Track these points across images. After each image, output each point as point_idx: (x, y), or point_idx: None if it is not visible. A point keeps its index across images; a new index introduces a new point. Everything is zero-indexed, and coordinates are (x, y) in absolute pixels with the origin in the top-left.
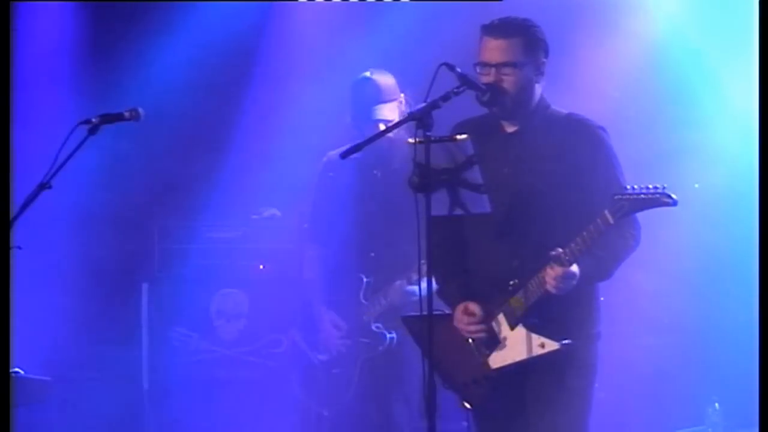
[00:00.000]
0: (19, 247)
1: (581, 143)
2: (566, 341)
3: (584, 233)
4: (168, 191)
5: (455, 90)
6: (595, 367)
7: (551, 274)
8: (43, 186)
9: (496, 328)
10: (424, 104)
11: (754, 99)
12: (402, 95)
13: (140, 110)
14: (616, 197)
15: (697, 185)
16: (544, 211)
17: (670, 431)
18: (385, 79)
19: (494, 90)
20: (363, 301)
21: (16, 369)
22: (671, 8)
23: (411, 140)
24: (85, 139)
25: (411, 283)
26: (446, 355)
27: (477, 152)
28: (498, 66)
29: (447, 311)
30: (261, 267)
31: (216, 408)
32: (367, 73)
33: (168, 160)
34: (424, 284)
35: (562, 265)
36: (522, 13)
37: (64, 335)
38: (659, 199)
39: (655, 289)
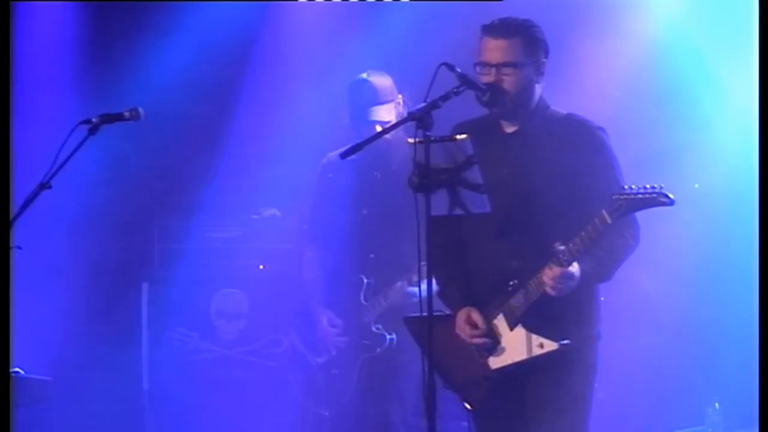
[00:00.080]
0: (19, 247)
1: (581, 144)
2: (565, 341)
3: (582, 233)
4: (168, 191)
5: (455, 90)
6: (595, 367)
7: (549, 275)
8: (43, 186)
9: (495, 329)
10: (423, 104)
11: (754, 98)
12: (400, 96)
13: (140, 110)
14: (614, 197)
15: (697, 185)
16: (543, 211)
17: (670, 431)
18: (382, 81)
19: (494, 90)
20: (363, 302)
21: (16, 369)
22: (671, 8)
23: (411, 140)
24: (85, 139)
25: (411, 284)
26: (446, 356)
27: (476, 152)
28: (498, 66)
29: (447, 312)
30: (261, 267)
31: (216, 408)
32: (364, 75)
33: (168, 160)
34: (424, 285)
35: (560, 265)
36: (522, 13)
37: (64, 335)
38: (657, 199)
39: (655, 289)
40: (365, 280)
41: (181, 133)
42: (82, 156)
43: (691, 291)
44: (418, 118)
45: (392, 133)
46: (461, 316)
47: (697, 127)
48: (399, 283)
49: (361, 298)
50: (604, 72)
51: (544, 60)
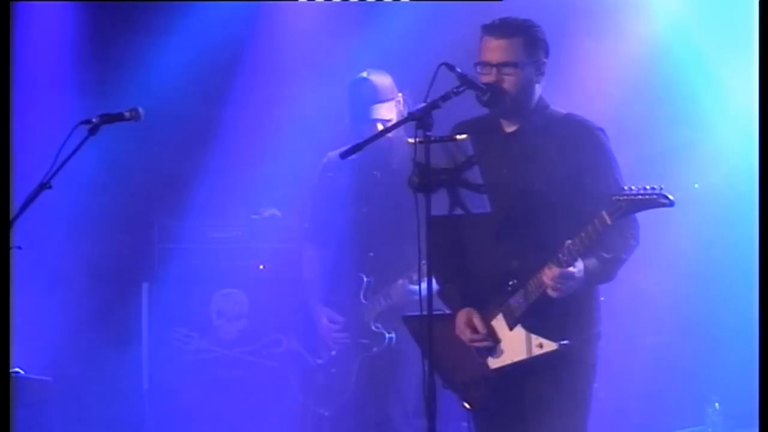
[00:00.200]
0: (19, 247)
1: (580, 144)
2: (564, 342)
3: (582, 234)
4: (168, 191)
5: (455, 90)
6: (594, 367)
7: (549, 275)
8: (43, 186)
9: (495, 329)
10: (424, 104)
11: (754, 98)
12: (400, 95)
13: (140, 110)
14: (614, 198)
15: (697, 185)
16: (543, 211)
17: (670, 431)
18: (382, 79)
19: (494, 90)
20: (363, 301)
21: (16, 369)
22: (671, 7)
23: (411, 140)
24: (85, 139)
25: (413, 282)
26: (446, 355)
27: (476, 152)
28: (499, 66)
29: (447, 311)
30: (261, 267)
31: (216, 408)
32: (364, 74)
33: (168, 160)
34: (424, 284)
35: (559, 265)
36: (522, 13)
37: (64, 335)
38: (657, 200)
39: (655, 289)
40: (365, 279)
41: (181, 133)
42: (82, 156)
43: (691, 291)
44: (418, 118)
45: (393, 132)
46: (461, 317)
47: (697, 127)
48: (400, 281)
49: (361, 297)
50: (604, 72)
51: (545, 60)
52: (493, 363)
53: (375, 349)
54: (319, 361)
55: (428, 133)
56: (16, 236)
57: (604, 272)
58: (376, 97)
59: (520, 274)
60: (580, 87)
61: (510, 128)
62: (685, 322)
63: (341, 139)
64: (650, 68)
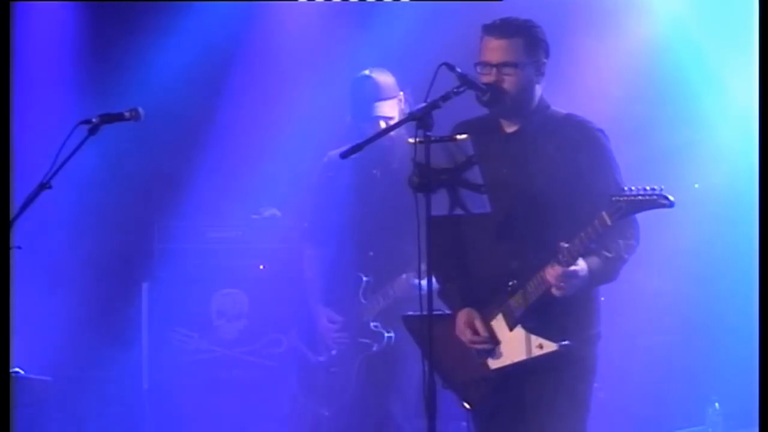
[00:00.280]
0: (19, 247)
1: (580, 144)
2: (564, 342)
3: (582, 235)
4: (168, 191)
5: (455, 90)
6: (594, 368)
7: (552, 274)
8: (43, 186)
9: (495, 329)
10: (424, 104)
11: (754, 98)
12: (401, 93)
13: (140, 110)
14: (613, 199)
15: (697, 185)
16: (543, 211)
17: (670, 431)
18: (385, 77)
19: (494, 90)
20: (362, 300)
21: (16, 369)
22: (672, 7)
23: (411, 140)
24: (85, 139)
25: (416, 277)
26: (445, 355)
27: (476, 152)
28: (499, 66)
29: (447, 311)
30: (261, 267)
31: (216, 408)
32: (367, 71)
33: (168, 160)
34: (424, 281)
35: (561, 265)
36: (522, 13)
37: (64, 335)
38: (657, 201)
39: (655, 289)
40: (364, 279)
41: (181, 133)
42: (82, 156)
43: (691, 290)
44: (419, 118)
45: (393, 132)
46: (462, 318)
47: (698, 127)
48: (404, 276)
49: (360, 297)
50: (604, 72)
51: (545, 60)
52: (493, 363)
53: (375, 348)
54: (320, 360)
55: (428, 133)
56: (16, 236)
57: (607, 271)
58: (379, 94)
59: (520, 275)
60: (580, 87)
61: (510, 128)
62: (685, 322)
63: (341, 138)
64: (650, 68)
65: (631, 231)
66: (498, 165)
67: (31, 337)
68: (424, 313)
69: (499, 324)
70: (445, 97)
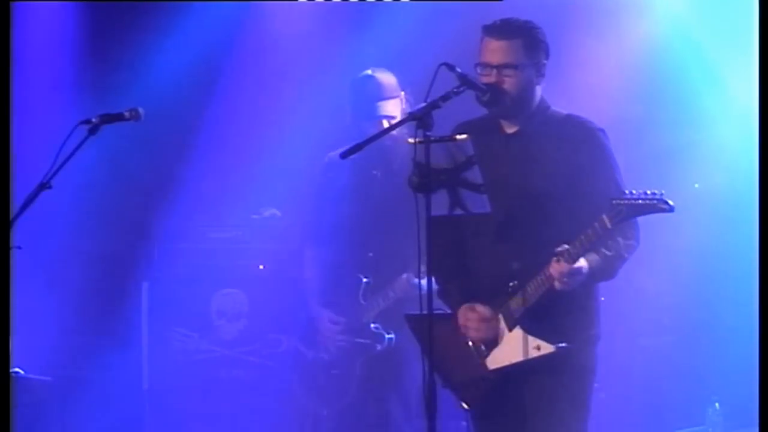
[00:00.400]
0: (19, 247)
1: (580, 145)
2: (562, 344)
3: (582, 237)
4: (168, 191)
5: (455, 90)
6: (593, 369)
7: (557, 269)
8: (43, 186)
9: (495, 329)
10: (424, 104)
11: (754, 98)
12: (403, 93)
13: (140, 110)
14: (614, 202)
15: (697, 185)
16: (543, 212)
17: (670, 431)
18: (387, 77)
19: (494, 90)
20: (362, 301)
21: (16, 369)
22: (672, 7)
23: (411, 140)
24: (85, 139)
25: (417, 277)
26: (445, 355)
27: (477, 153)
28: (499, 67)
29: (448, 310)
30: (261, 267)
31: (216, 408)
32: (369, 71)
33: (168, 160)
34: (424, 281)
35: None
36: (522, 14)
37: (64, 335)
38: (657, 205)
39: (655, 290)
40: (364, 280)
41: (181, 133)
42: (82, 156)
43: (691, 291)
44: (419, 118)
45: (394, 132)
46: (464, 307)
47: (698, 127)
48: (405, 275)
49: (360, 298)
50: (604, 72)
51: (545, 61)
52: (492, 363)
53: (375, 349)
54: (320, 361)
55: (428, 133)
56: (16, 236)
57: (606, 269)
58: (382, 94)
59: (520, 275)
60: (580, 87)
61: (510, 129)
62: (685, 322)
63: (342, 138)
64: (650, 68)
65: (631, 231)
66: (498, 166)
67: (31, 337)
68: (425, 312)
69: (499, 324)
70: (445, 97)
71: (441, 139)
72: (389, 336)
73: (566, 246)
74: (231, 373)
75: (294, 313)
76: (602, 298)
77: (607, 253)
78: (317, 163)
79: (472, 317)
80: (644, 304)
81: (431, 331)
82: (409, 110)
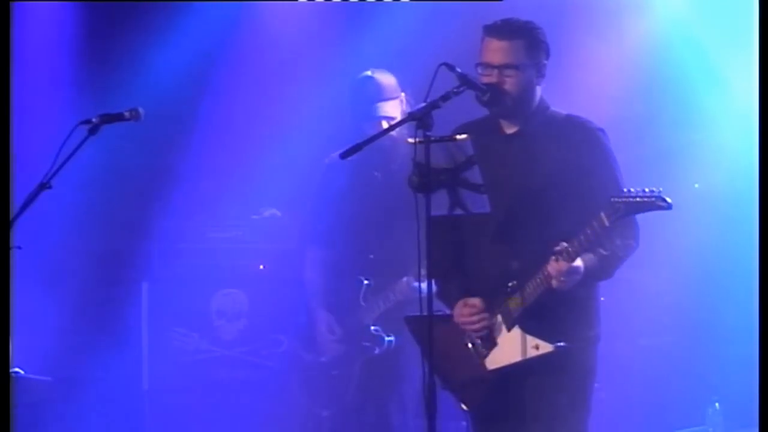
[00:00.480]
0: (19, 247)
1: (580, 145)
2: (560, 344)
3: (581, 236)
4: (168, 191)
5: (455, 90)
6: (594, 369)
7: (556, 268)
8: (43, 186)
9: (494, 330)
10: (424, 104)
11: (755, 98)
12: (403, 94)
13: (140, 110)
14: (612, 200)
15: (697, 185)
16: (543, 212)
17: (670, 431)
18: (387, 78)
19: (495, 90)
20: (362, 303)
21: (16, 369)
22: (673, 7)
23: (411, 140)
24: (85, 139)
25: (418, 280)
26: (445, 356)
27: (477, 153)
28: (500, 67)
29: (447, 312)
30: (261, 267)
31: (216, 408)
32: (368, 72)
33: (168, 160)
34: (424, 284)
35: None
36: (522, 13)
37: (64, 335)
38: (655, 203)
39: (655, 289)
40: (364, 282)
41: (181, 133)
42: (82, 156)
43: (691, 291)
44: (418, 118)
45: (394, 132)
46: (459, 303)
47: (699, 127)
48: (405, 279)
49: (360, 300)
50: (605, 72)
51: (545, 62)
52: (491, 364)
53: (375, 352)
54: (320, 363)
55: (428, 133)
56: (16, 236)
57: (602, 269)
58: (381, 95)
59: (520, 275)
60: (580, 87)
61: (510, 129)
62: (685, 322)
63: (342, 139)
64: (651, 68)
65: (630, 232)
66: (498, 166)
67: (31, 337)
68: (426, 313)
69: (498, 324)
70: (445, 97)
71: (441, 139)
72: (389, 338)
73: (565, 244)
74: (231, 373)
75: (294, 314)
76: (602, 298)
77: (604, 252)
78: (317, 164)
79: (465, 312)
80: (644, 304)
81: (432, 332)
82: (409, 111)
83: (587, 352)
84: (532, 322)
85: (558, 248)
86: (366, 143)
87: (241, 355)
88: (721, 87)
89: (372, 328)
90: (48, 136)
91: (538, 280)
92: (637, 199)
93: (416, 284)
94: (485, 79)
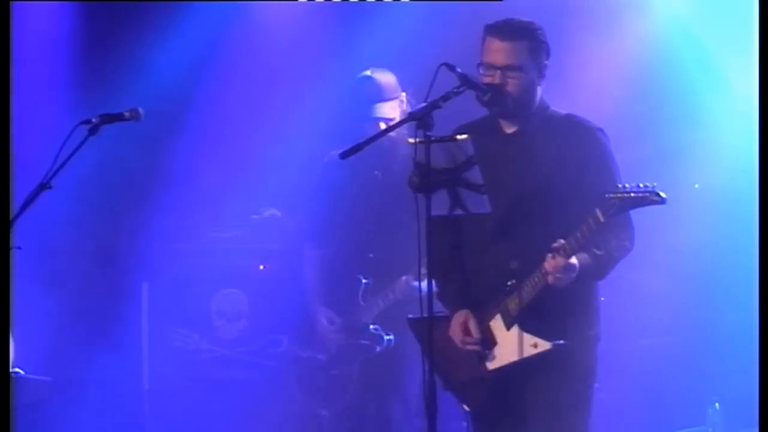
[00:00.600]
0: (19, 247)
1: (579, 145)
2: (559, 342)
3: (577, 233)
4: (168, 191)
5: (456, 90)
6: (594, 369)
7: (552, 264)
8: (43, 186)
9: (493, 330)
10: (424, 104)
11: (755, 98)
12: (403, 94)
13: (140, 110)
14: (607, 196)
15: (697, 185)
16: (542, 211)
17: (670, 431)
18: (386, 78)
19: (496, 91)
20: (361, 302)
21: (16, 369)
22: (673, 6)
23: (411, 140)
24: (85, 139)
25: (417, 279)
26: (445, 357)
27: (476, 153)
28: (504, 68)
29: (447, 312)
30: (261, 267)
31: (216, 408)
32: (368, 72)
33: (168, 160)
34: (425, 283)
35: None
36: (522, 13)
37: (64, 335)
38: (649, 198)
39: (655, 290)
40: (363, 281)
41: (181, 133)
42: (82, 156)
43: (692, 291)
44: (419, 119)
45: (395, 132)
46: (457, 319)
47: (699, 127)
48: (404, 278)
49: (359, 299)
50: (604, 71)
51: (546, 62)
52: (491, 364)
53: (374, 350)
54: (319, 362)
55: (428, 133)
56: (16, 236)
57: (596, 268)
58: (380, 95)
59: (519, 275)
60: (580, 87)
61: (510, 129)
62: (685, 322)
63: (342, 138)
64: (651, 68)
65: (626, 233)
66: (497, 165)
67: (31, 337)
68: (426, 313)
69: (497, 324)
70: (446, 97)
71: (441, 140)
72: (388, 337)
73: (562, 241)
74: (231, 373)
75: (294, 314)
76: (602, 298)
77: (598, 252)
78: (318, 163)
79: (459, 334)
80: (644, 304)
81: (432, 333)
82: (410, 111)
83: (587, 352)
84: (531, 322)
85: (555, 245)
86: (367, 143)
87: (241, 355)
88: (721, 87)
89: (371, 326)
90: (48, 136)
91: (536, 277)
92: (632, 194)
93: (415, 283)
94: (487, 80)
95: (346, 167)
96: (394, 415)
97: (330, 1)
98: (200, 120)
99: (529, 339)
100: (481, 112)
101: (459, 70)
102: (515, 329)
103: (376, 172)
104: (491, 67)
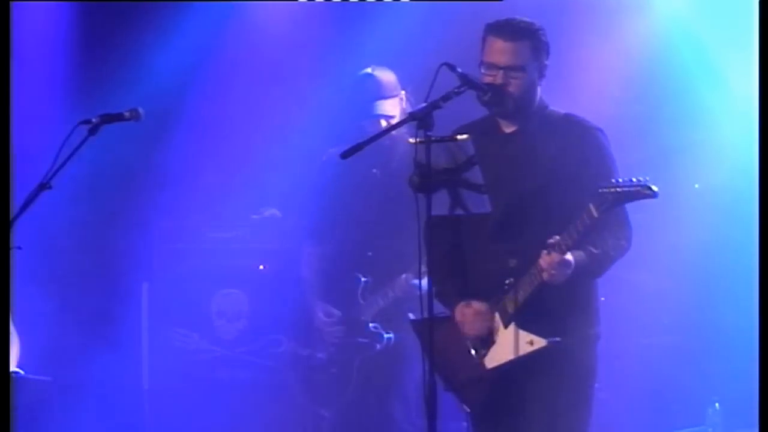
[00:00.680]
0: (19, 247)
1: (578, 144)
2: (555, 339)
3: (571, 228)
4: (168, 191)
5: (456, 90)
6: (594, 369)
7: (547, 260)
8: (43, 186)
9: (492, 328)
10: (424, 104)
11: (755, 98)
12: (403, 92)
13: (140, 110)
14: (600, 190)
15: (697, 185)
16: (541, 211)
17: (670, 431)
18: (387, 76)
19: (496, 91)
20: (360, 300)
21: (16, 369)
22: (673, 6)
23: (412, 140)
24: (85, 139)
25: (416, 277)
26: (446, 357)
27: (476, 153)
28: (506, 69)
29: (447, 313)
30: (261, 267)
31: (216, 408)
32: (369, 70)
33: (168, 160)
34: (424, 281)
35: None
36: (522, 13)
37: (64, 335)
38: (641, 191)
39: (656, 289)
40: (363, 279)
41: (181, 133)
42: (82, 156)
43: (691, 291)
44: (419, 119)
45: (394, 131)
46: (459, 308)
47: (698, 127)
48: (404, 276)
49: (359, 297)
50: (604, 71)
51: (546, 62)
52: (490, 362)
53: (374, 349)
54: (319, 360)
55: (429, 133)
56: (16, 236)
57: (591, 267)
58: (381, 92)
59: (518, 274)
60: (580, 87)
61: (509, 129)
62: (685, 322)
63: (342, 137)
64: (651, 67)
65: (623, 232)
66: (496, 165)
67: (31, 337)
68: (427, 313)
69: (496, 323)
70: (446, 97)
71: (442, 139)
72: (388, 335)
73: (557, 237)
74: (231, 373)
75: (294, 313)
76: (602, 298)
77: (594, 250)
78: (317, 162)
79: (467, 312)
80: (645, 304)
81: (433, 333)
82: (409, 109)
83: (587, 351)
84: (531, 321)
85: (551, 241)
86: (367, 143)
87: (241, 355)
88: (721, 86)
89: (371, 325)
90: (48, 136)
91: (532, 274)
92: (625, 188)
93: (415, 281)
94: (489, 79)
95: (345, 165)
96: (395, 413)
97: (330, 1)
98: (200, 120)
99: (525, 336)
100: (481, 112)
101: (459, 69)
102: (512, 327)
103: (374, 171)
104: (493, 66)
